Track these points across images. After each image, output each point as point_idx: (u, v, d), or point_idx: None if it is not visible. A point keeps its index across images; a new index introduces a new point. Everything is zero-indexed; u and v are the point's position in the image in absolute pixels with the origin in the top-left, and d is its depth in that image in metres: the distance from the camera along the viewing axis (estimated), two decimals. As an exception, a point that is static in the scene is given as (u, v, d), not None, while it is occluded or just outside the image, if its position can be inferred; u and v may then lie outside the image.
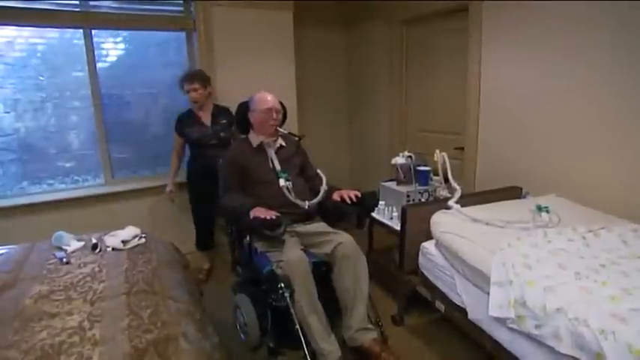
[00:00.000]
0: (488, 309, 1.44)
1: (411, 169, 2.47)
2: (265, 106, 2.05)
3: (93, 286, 1.42)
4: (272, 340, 1.90)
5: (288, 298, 1.74)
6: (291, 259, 1.78)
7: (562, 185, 2.15)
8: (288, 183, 2.00)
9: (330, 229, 2.04)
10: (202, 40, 2.86)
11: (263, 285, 1.90)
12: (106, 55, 2.78)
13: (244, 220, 1.85)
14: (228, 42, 2.97)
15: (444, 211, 1.98)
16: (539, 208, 1.84)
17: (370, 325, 1.88)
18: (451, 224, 1.84)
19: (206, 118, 2.69)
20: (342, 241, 1.89)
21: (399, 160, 2.52)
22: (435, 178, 2.51)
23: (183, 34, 2.94)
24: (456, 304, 1.74)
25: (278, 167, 2.07)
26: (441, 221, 1.90)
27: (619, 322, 1.11)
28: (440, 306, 1.88)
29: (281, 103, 2.15)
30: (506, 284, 1.42)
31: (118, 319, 1.21)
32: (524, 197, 2.24)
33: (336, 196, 2.08)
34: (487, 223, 1.80)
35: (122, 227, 1.96)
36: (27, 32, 2.53)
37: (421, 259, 1.98)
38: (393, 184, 2.55)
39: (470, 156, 2.73)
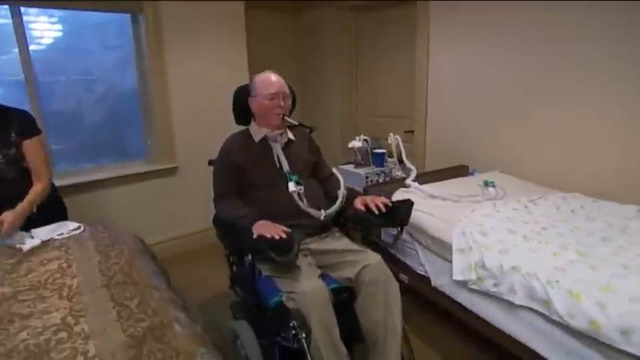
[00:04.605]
0: (452, 274, 1.62)
1: (368, 152, 2.60)
2: (270, 90, 1.63)
3: (66, 282, 1.35)
4: None
5: (303, 341, 1.34)
6: (306, 290, 1.39)
7: (504, 162, 2.42)
8: (299, 187, 1.59)
9: (353, 246, 1.63)
10: (150, 23, 2.71)
11: (269, 316, 1.49)
12: (40, 37, 2.54)
13: (245, 237, 1.45)
14: (178, 24, 2.83)
15: (403, 189, 2.14)
16: (486, 183, 2.06)
17: None
18: (412, 201, 2.00)
19: None
20: (370, 263, 1.51)
21: (356, 143, 2.64)
22: (389, 159, 2.67)
23: (127, 16, 2.76)
24: (419, 274, 1.91)
25: (286, 167, 1.65)
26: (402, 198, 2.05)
27: (560, 273, 1.33)
28: (403, 277, 2.04)
29: (289, 87, 1.73)
30: (466, 250, 1.60)
31: (103, 312, 1.19)
32: (471, 174, 2.47)
33: (359, 204, 1.66)
34: (443, 199, 1.99)
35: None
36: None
37: (384, 236, 2.12)
38: (351, 167, 2.67)
39: (419, 138, 2.93)
